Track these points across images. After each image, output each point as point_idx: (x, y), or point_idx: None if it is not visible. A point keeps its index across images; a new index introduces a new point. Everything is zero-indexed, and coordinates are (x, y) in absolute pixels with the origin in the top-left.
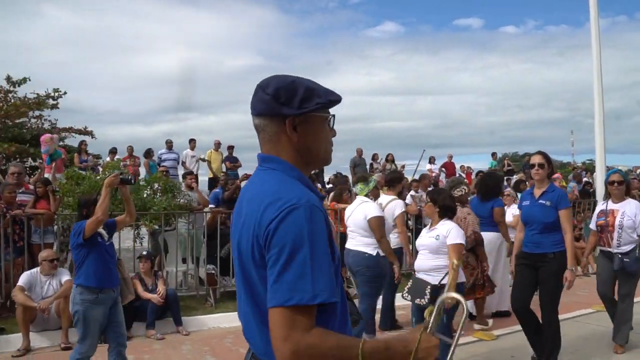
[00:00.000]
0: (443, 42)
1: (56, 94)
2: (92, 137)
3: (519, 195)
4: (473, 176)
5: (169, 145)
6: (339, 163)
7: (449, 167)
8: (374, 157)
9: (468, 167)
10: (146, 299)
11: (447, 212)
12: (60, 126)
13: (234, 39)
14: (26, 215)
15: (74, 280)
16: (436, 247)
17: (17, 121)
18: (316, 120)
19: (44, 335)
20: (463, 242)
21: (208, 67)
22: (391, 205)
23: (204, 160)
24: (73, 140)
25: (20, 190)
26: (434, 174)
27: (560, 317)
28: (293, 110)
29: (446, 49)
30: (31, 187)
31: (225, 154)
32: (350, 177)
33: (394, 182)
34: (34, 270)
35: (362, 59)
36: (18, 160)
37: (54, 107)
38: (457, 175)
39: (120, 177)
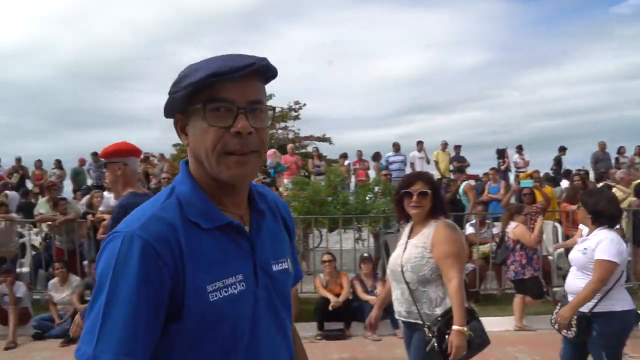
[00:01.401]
0: None
1: (297, 106)
2: (330, 144)
3: None
4: None
5: (397, 147)
6: (581, 158)
7: None
8: (620, 151)
9: None
10: (365, 300)
11: (599, 218)
12: (302, 135)
13: (461, 36)
14: None
15: None
16: (583, 263)
17: None
18: (193, 116)
19: None
20: (615, 259)
21: (438, 66)
22: None
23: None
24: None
25: None
26: None
27: None
28: (166, 111)
29: None
30: None
31: (453, 154)
32: (592, 174)
33: None
34: None
35: (609, 40)
36: None
37: (296, 118)
38: None
39: (262, 181)
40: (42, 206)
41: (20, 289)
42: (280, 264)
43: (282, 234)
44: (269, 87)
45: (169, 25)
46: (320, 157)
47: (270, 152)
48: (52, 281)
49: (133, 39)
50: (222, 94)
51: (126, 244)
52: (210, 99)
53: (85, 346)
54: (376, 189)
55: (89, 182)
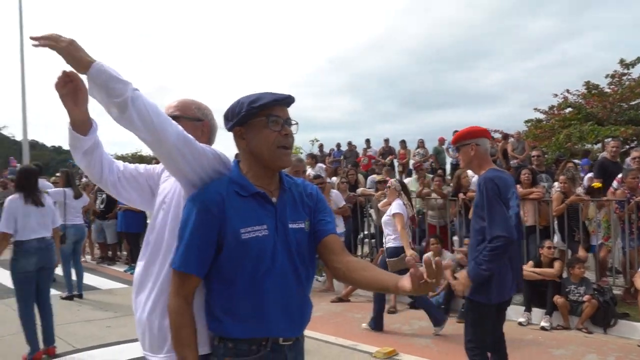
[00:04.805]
0: None
1: None
2: None
3: None
4: None
5: None
6: None
7: None
8: None
9: None
10: None
11: None
12: None
13: None
14: None
15: None
16: None
17: (632, 103)
18: (255, 126)
19: None
20: None
21: None
22: None
23: None
24: None
25: None
26: None
27: None
28: (232, 123)
29: None
30: None
31: None
32: None
33: None
34: None
35: None
36: (635, 143)
37: None
38: None
39: None
40: (412, 184)
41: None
42: (296, 224)
43: (304, 206)
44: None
45: None
46: None
47: None
48: (426, 255)
49: (475, 18)
50: (275, 112)
51: (190, 204)
52: (270, 115)
53: (173, 257)
54: None
55: (448, 160)
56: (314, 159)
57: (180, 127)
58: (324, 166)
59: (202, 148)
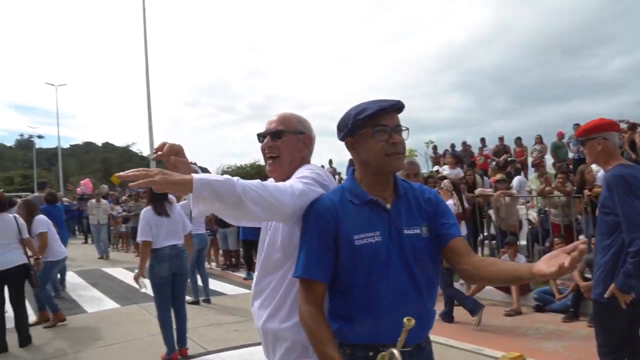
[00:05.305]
0: None
1: None
2: None
3: None
4: None
5: None
6: None
7: None
8: None
9: None
10: None
11: None
12: None
13: None
14: None
15: None
16: None
17: None
18: (362, 137)
19: None
20: None
21: None
22: None
23: None
24: None
25: None
26: None
27: None
28: (342, 134)
29: None
30: None
31: None
32: None
33: None
34: None
35: None
36: None
37: None
38: None
39: None
40: (532, 182)
41: (521, 260)
42: (412, 230)
43: (420, 211)
44: None
45: None
46: None
47: None
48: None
49: (590, 2)
50: (382, 121)
51: (309, 212)
52: (375, 125)
53: (295, 267)
54: None
55: (570, 155)
56: (456, 158)
57: (289, 183)
58: (461, 174)
59: (314, 183)
